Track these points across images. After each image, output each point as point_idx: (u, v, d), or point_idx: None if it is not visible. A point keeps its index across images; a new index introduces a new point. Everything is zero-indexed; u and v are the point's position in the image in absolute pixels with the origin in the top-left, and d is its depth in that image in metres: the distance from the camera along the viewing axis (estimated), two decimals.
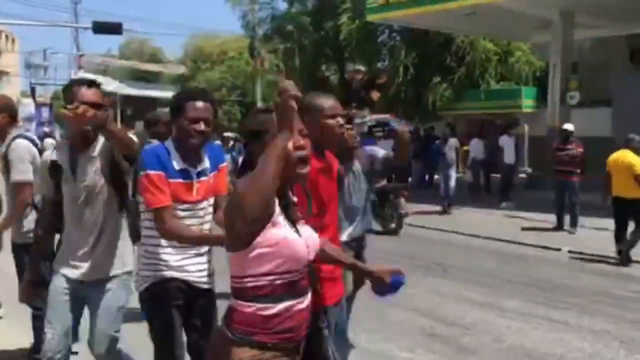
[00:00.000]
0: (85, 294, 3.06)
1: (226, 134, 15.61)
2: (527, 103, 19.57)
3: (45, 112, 44.45)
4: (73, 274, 3.03)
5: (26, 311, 3.88)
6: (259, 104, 33.70)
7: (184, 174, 2.82)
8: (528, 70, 20.10)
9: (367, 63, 27.31)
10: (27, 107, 41.02)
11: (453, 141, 11.86)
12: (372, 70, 28.17)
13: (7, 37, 42.29)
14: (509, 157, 13.39)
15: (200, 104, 2.81)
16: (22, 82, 45.50)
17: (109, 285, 3.06)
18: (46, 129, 40.58)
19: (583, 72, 15.48)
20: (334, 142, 2.76)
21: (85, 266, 3.03)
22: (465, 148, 15.46)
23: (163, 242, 2.82)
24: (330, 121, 2.70)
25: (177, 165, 2.81)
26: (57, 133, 34.31)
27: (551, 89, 14.78)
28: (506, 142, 13.53)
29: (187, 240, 2.80)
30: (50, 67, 49.06)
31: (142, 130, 6.06)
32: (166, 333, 2.85)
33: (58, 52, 53.37)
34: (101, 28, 25.91)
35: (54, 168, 3.03)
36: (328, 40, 27.28)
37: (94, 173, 3.00)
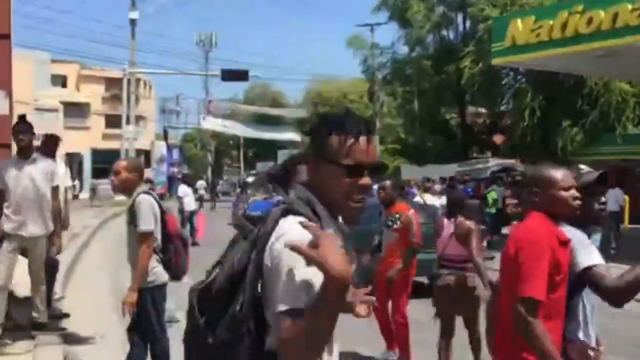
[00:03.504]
0: None
1: None
2: None
3: (175, 154, 47.49)
4: None
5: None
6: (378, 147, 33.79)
7: None
8: None
9: (490, 106, 26.57)
10: (160, 149, 44.04)
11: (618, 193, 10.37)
12: (494, 113, 27.37)
13: (145, 84, 45.74)
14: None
15: None
16: (156, 126, 48.98)
17: None
18: (175, 169, 43.27)
19: None
20: (567, 216, 2.60)
21: None
22: None
23: None
24: (565, 194, 2.55)
25: None
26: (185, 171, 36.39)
27: None
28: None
29: None
30: (182, 111, 52.57)
31: (263, 172, 6.15)
32: None
33: (189, 97, 57.03)
34: (229, 75, 27.33)
35: None
36: (449, 84, 26.89)
37: None
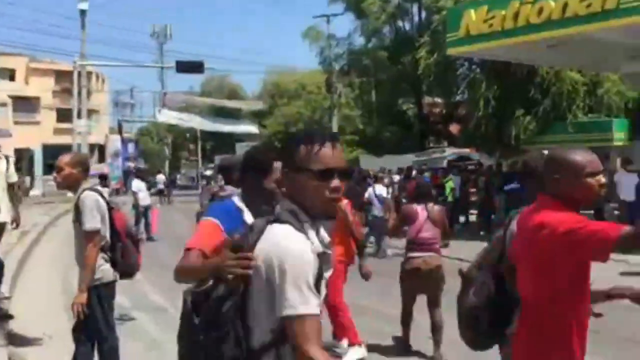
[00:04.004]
0: None
1: None
2: (619, 135, 18.46)
3: (131, 148, 46.53)
4: None
5: None
6: None
7: None
8: (619, 101, 19.02)
9: (445, 96, 26.87)
10: (114, 144, 43.09)
11: None
12: (450, 103, 27.68)
13: (97, 77, 44.62)
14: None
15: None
16: (110, 119, 47.91)
17: None
18: (131, 164, 42.46)
19: None
20: (590, 202, 2.45)
21: None
22: None
23: None
24: (591, 180, 2.36)
25: (249, 221, 2.81)
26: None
27: None
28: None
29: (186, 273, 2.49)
30: (136, 104, 51.54)
31: (216, 173, 6.04)
32: None
33: (144, 90, 56.04)
34: (184, 67, 26.90)
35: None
36: (405, 74, 27.07)
37: None
